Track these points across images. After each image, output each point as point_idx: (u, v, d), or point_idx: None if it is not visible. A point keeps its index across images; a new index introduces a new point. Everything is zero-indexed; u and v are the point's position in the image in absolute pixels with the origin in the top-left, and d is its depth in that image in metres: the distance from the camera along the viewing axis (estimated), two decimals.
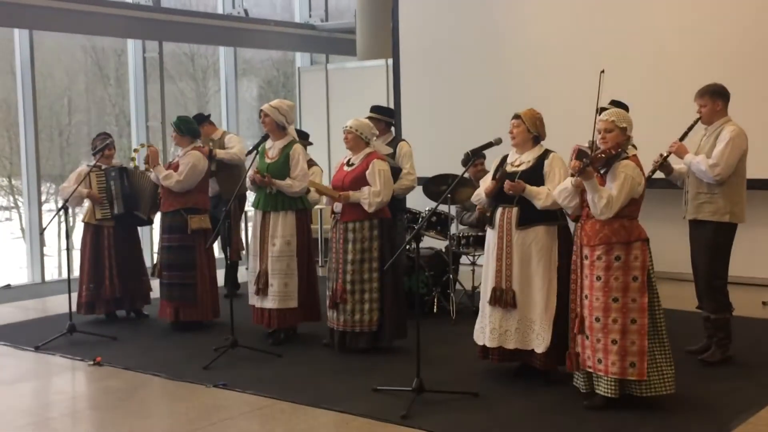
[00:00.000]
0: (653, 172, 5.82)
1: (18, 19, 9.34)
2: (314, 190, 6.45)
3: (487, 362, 5.53)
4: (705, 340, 5.91)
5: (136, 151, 7.17)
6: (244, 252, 8.87)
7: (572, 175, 4.79)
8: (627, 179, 4.71)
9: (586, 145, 5.31)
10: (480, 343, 5.50)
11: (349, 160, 6.30)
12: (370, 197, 6.06)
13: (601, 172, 4.80)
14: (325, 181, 7.70)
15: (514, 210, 5.30)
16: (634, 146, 5.00)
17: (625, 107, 6.42)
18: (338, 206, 6.21)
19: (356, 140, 6.22)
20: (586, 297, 4.84)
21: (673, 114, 7.73)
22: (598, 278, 4.77)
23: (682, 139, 5.82)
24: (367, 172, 6.11)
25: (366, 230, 6.14)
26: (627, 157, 4.81)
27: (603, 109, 6.71)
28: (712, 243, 5.72)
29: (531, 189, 5.22)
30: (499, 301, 5.32)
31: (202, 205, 7.04)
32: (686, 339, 6.10)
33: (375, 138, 6.38)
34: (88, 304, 7.39)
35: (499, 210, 5.38)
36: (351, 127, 6.22)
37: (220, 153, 7.91)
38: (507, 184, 5.24)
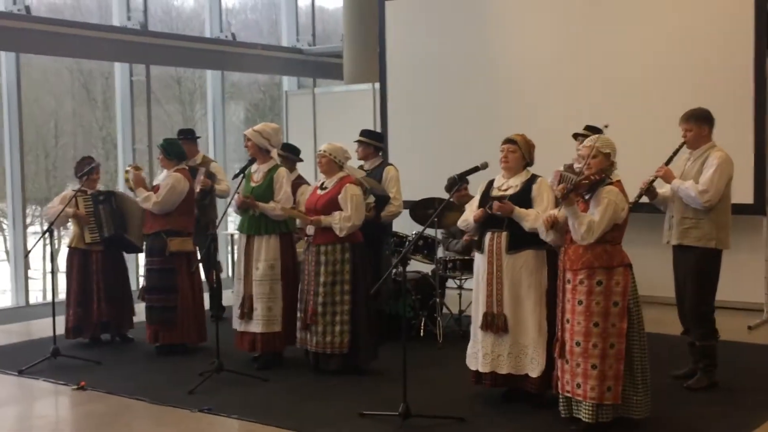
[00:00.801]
0: (639, 196, 5.78)
1: (5, 42, 9.34)
2: (287, 214, 6.45)
3: (478, 387, 5.51)
4: (690, 365, 5.90)
5: (128, 172, 7.12)
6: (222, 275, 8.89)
7: (560, 199, 4.78)
8: (610, 204, 4.72)
9: (562, 168, 5.30)
10: (473, 368, 5.48)
11: (322, 184, 6.33)
12: (340, 222, 6.10)
13: (586, 197, 4.81)
14: None
15: (504, 234, 5.31)
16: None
17: (600, 131, 6.46)
18: (311, 229, 6.24)
19: (330, 164, 6.27)
20: (568, 321, 4.83)
21: (657, 138, 7.79)
22: (580, 302, 4.76)
23: (667, 163, 5.80)
24: (339, 197, 6.14)
25: (338, 253, 6.17)
26: (611, 183, 4.82)
27: (579, 135, 6.81)
28: (699, 269, 5.69)
29: (519, 211, 5.24)
30: (491, 326, 5.32)
31: (183, 228, 6.99)
32: (671, 363, 6.12)
33: (348, 161, 6.42)
34: (75, 328, 7.34)
35: (488, 234, 5.38)
36: (325, 151, 6.27)
37: (219, 187, 7.93)
38: (496, 204, 5.25)
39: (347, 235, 6.13)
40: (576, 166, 6.65)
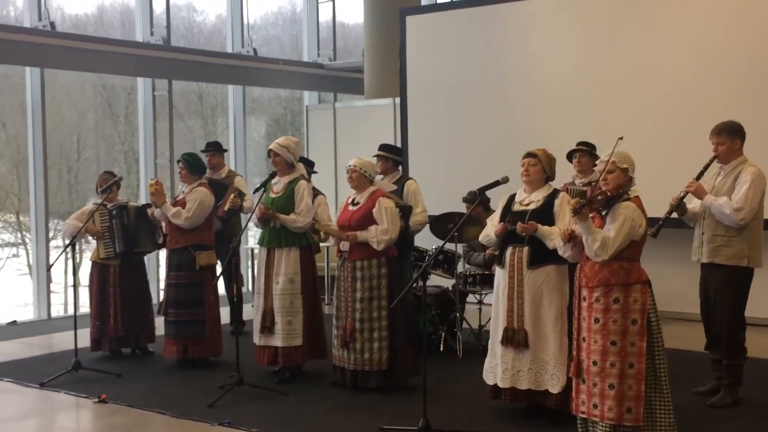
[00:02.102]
0: (670, 213, 5.66)
1: (30, 57, 9.45)
2: (322, 232, 6.43)
3: (497, 402, 5.47)
4: (714, 382, 5.84)
5: (152, 185, 7.14)
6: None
7: (572, 214, 4.70)
8: (626, 221, 4.57)
9: (563, 185, 5.26)
10: (490, 383, 5.45)
11: (353, 200, 6.31)
12: (378, 236, 6.06)
13: (602, 213, 4.73)
14: (331, 210, 7.73)
15: (525, 249, 5.28)
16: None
17: (593, 146, 6.43)
18: (345, 245, 6.20)
19: (360, 179, 6.24)
20: (584, 339, 4.70)
21: (682, 153, 7.74)
22: (597, 321, 4.63)
23: (698, 178, 5.65)
24: (373, 211, 6.11)
25: (374, 268, 6.13)
26: (628, 199, 4.69)
27: (574, 151, 6.83)
28: (730, 288, 5.59)
29: (543, 229, 5.21)
30: (512, 341, 5.29)
31: (208, 242, 7.04)
32: (693, 380, 6.06)
33: (378, 175, 6.40)
34: (95, 342, 7.41)
35: (509, 249, 5.36)
36: (355, 166, 6.24)
37: (246, 204, 7.94)
38: (519, 225, 5.23)
39: (385, 248, 6.10)
40: (577, 182, 6.64)
